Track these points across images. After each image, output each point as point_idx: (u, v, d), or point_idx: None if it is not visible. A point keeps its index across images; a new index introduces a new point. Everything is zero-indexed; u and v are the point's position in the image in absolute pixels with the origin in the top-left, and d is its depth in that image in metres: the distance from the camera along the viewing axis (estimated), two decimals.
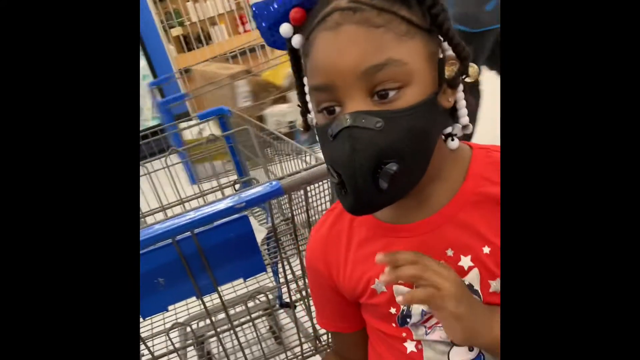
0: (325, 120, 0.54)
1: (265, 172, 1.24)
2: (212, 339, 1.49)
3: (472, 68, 0.57)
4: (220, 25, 5.56)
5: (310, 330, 1.15)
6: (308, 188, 0.90)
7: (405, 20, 0.51)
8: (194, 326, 1.50)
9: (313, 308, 1.16)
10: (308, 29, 0.55)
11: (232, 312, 1.43)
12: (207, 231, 0.92)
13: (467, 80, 0.58)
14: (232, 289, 1.36)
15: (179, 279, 0.89)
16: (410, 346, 0.63)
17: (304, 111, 0.63)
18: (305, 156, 1.05)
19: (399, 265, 0.54)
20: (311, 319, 1.12)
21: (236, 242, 0.92)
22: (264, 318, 1.52)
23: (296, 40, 0.57)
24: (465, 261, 0.58)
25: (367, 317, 0.69)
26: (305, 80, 0.60)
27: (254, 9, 0.59)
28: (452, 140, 0.60)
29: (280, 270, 1.11)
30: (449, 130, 0.59)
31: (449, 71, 0.55)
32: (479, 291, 0.59)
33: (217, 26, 5.59)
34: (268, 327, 1.52)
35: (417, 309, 0.61)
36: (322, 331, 1.14)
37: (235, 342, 1.28)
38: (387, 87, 0.51)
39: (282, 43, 0.59)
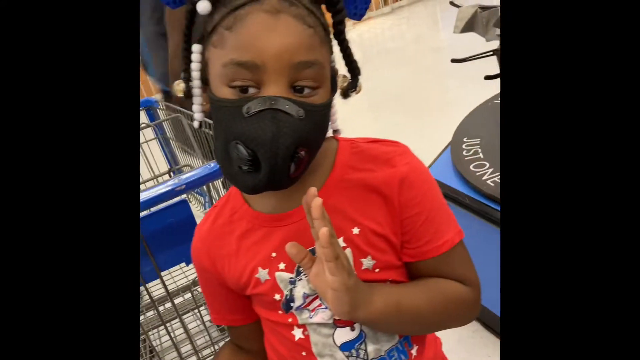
0: (236, 96, 0.54)
1: (200, 159, 1.24)
2: (150, 333, 1.46)
3: (360, 85, 0.62)
4: None
5: None
6: None
7: (324, 27, 0.55)
8: None
9: None
10: (231, 2, 0.54)
11: (167, 305, 1.42)
12: (147, 217, 0.92)
13: (353, 94, 0.63)
14: (172, 280, 1.34)
15: None
16: (297, 333, 0.65)
17: (188, 78, 0.61)
18: None
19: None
20: None
21: (177, 227, 0.93)
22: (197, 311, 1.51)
23: (203, 6, 0.56)
24: (339, 242, 0.60)
25: (257, 309, 0.70)
26: (196, 47, 0.58)
27: None
28: None
29: None
30: None
31: (342, 85, 0.60)
32: (353, 269, 0.60)
33: None
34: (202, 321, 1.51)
35: (299, 293, 0.63)
36: None
37: (175, 334, 1.27)
38: (306, 84, 0.54)
39: (175, 3, 0.59)
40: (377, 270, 0.63)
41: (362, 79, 0.63)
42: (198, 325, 1.27)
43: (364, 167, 0.63)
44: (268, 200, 0.63)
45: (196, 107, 0.61)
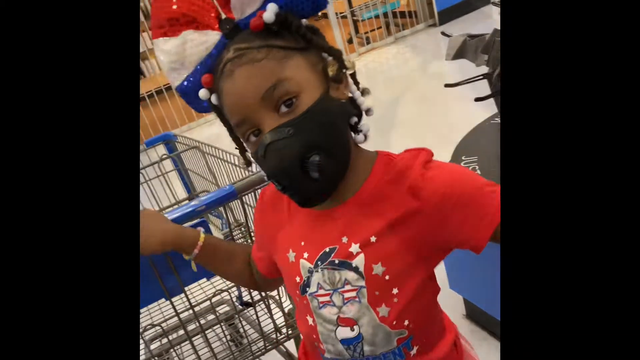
0: (255, 146, 0.66)
1: (216, 186, 1.35)
2: (169, 352, 1.54)
3: (348, 61, 0.71)
4: (151, 59, 5.56)
5: (268, 327, 1.26)
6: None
7: (280, 47, 0.64)
8: (153, 346, 1.54)
9: (272, 306, 1.27)
10: (216, 84, 0.66)
11: (191, 322, 1.50)
12: None
13: (348, 71, 0.71)
14: (192, 295, 1.43)
15: (146, 282, 0.97)
16: (310, 320, 0.75)
17: (242, 150, 0.73)
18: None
19: None
20: (271, 316, 1.23)
21: None
22: (217, 327, 1.59)
23: (214, 99, 0.68)
24: (355, 248, 0.69)
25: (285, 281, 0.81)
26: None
27: (177, 91, 0.71)
28: (358, 134, 0.71)
29: None
30: (355, 120, 0.71)
31: (332, 71, 0.69)
32: (363, 273, 0.68)
33: (147, 61, 5.58)
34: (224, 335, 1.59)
35: (315, 281, 0.71)
36: (280, 323, 1.25)
37: (199, 349, 1.35)
38: (285, 98, 0.63)
39: (208, 106, 0.71)
40: (387, 277, 0.69)
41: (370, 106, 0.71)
42: (218, 341, 1.34)
43: (397, 180, 0.68)
44: None
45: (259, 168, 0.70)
